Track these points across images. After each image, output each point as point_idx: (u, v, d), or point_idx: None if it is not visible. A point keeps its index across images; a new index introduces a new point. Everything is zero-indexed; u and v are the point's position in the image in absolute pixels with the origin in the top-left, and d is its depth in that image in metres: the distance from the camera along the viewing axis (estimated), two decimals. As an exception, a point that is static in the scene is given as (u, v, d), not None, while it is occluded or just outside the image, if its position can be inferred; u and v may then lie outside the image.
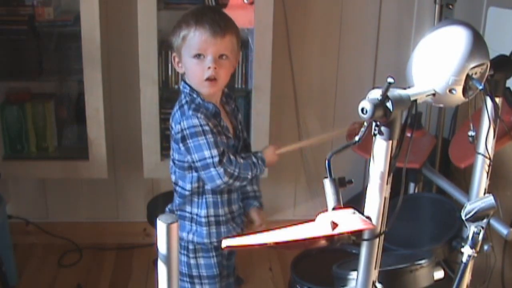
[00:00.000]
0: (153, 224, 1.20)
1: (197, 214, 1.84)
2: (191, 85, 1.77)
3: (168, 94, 2.63)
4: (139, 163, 2.62)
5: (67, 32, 2.53)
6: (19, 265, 2.78)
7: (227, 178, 1.73)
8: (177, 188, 1.85)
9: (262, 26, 2.46)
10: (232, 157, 1.75)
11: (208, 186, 1.79)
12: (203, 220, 1.83)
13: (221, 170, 1.71)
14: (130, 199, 3.02)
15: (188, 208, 1.85)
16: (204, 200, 1.83)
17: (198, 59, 1.72)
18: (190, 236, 1.85)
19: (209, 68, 1.71)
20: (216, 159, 1.71)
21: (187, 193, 1.82)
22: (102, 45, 2.45)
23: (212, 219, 1.84)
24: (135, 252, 2.99)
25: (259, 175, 1.86)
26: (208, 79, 1.73)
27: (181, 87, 1.80)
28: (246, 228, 1.97)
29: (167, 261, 1.19)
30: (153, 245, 1.27)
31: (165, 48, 2.53)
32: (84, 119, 2.53)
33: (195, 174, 1.79)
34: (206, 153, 1.71)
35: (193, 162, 1.74)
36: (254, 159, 1.81)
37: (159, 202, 2.59)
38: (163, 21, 2.51)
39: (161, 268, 1.21)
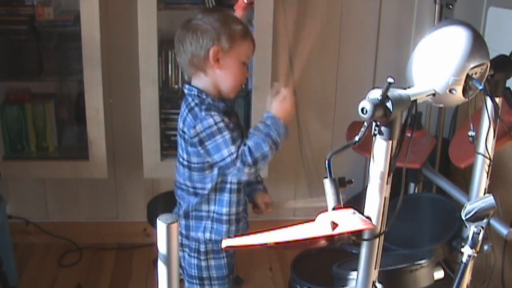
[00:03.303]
0: (153, 224, 1.20)
1: (216, 212, 1.83)
2: (222, 86, 1.77)
3: (168, 94, 2.63)
4: (139, 163, 2.62)
5: (67, 32, 2.52)
6: (19, 265, 2.78)
7: (247, 169, 1.69)
8: (198, 191, 1.82)
9: (262, 26, 2.46)
10: (243, 148, 1.70)
11: (227, 184, 1.80)
12: (224, 218, 1.83)
13: (239, 165, 1.69)
14: (130, 199, 3.02)
15: (205, 207, 1.83)
16: (224, 198, 1.82)
17: (243, 65, 1.79)
18: (207, 235, 1.84)
19: (247, 75, 1.82)
20: (234, 156, 1.69)
21: (206, 192, 1.81)
22: (102, 45, 2.45)
23: (233, 217, 1.83)
24: (135, 252, 2.99)
25: (282, 137, 1.74)
26: (241, 85, 1.81)
27: (186, 90, 1.78)
28: (255, 212, 1.98)
29: (167, 261, 1.19)
30: (153, 245, 1.27)
31: (165, 48, 2.53)
32: (84, 119, 2.52)
33: (215, 172, 1.78)
34: (225, 152, 1.69)
35: (215, 162, 1.74)
36: (264, 128, 1.72)
37: (159, 202, 2.59)
38: (163, 21, 2.51)
39: (161, 268, 1.21)
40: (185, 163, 1.81)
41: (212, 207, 1.83)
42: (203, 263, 1.86)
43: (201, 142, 1.72)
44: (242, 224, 1.88)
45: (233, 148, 1.69)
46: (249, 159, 1.68)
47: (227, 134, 1.70)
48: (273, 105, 1.76)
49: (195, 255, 1.86)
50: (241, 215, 1.86)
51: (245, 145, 1.70)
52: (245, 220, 1.91)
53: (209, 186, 1.80)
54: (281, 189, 3.09)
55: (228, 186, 1.80)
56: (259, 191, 1.98)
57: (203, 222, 1.84)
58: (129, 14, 2.57)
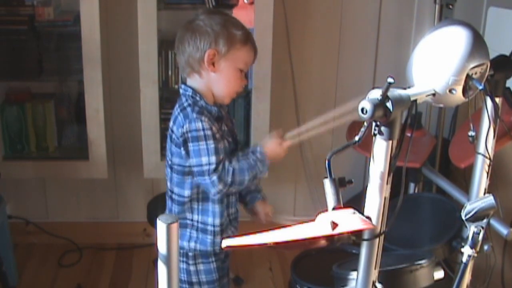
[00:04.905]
0: (153, 224, 1.20)
1: (200, 222, 1.81)
2: (215, 90, 1.76)
3: (168, 94, 2.63)
4: (139, 163, 2.62)
5: (67, 32, 2.53)
6: (19, 265, 2.78)
7: (221, 186, 1.70)
8: (174, 196, 1.81)
9: (262, 26, 2.46)
10: (227, 164, 1.71)
11: (211, 195, 1.77)
12: (208, 228, 1.81)
13: (214, 178, 1.69)
14: (130, 199, 3.02)
15: (189, 215, 1.81)
16: (209, 208, 1.79)
17: (240, 72, 1.75)
18: (192, 245, 1.82)
19: (244, 84, 1.78)
20: (212, 167, 1.68)
21: (185, 199, 1.79)
22: (102, 45, 2.45)
23: (218, 228, 1.81)
24: (135, 252, 2.99)
25: (260, 175, 1.80)
26: (236, 92, 1.78)
27: (181, 90, 1.78)
28: (255, 220, 1.95)
29: (167, 261, 1.19)
30: (153, 245, 1.27)
31: (165, 48, 2.53)
32: (84, 119, 2.53)
33: (195, 179, 1.76)
34: (204, 160, 1.69)
35: (191, 166, 1.73)
36: (252, 161, 1.75)
37: (159, 202, 2.59)
38: (163, 21, 2.51)
39: (161, 268, 1.21)
40: (169, 162, 1.81)
41: (196, 217, 1.81)
42: (192, 268, 1.85)
43: (185, 142, 1.71)
44: (227, 233, 1.84)
45: (213, 159, 1.69)
46: (228, 179, 1.70)
47: (211, 144, 1.69)
48: (269, 143, 1.78)
49: (184, 259, 1.84)
50: (226, 227, 1.83)
51: (230, 163, 1.71)
52: (235, 231, 1.88)
53: (186, 192, 1.78)
54: (281, 189, 3.09)
55: (211, 196, 1.77)
56: (259, 199, 1.96)
57: (188, 230, 1.82)
58: (129, 14, 2.57)
